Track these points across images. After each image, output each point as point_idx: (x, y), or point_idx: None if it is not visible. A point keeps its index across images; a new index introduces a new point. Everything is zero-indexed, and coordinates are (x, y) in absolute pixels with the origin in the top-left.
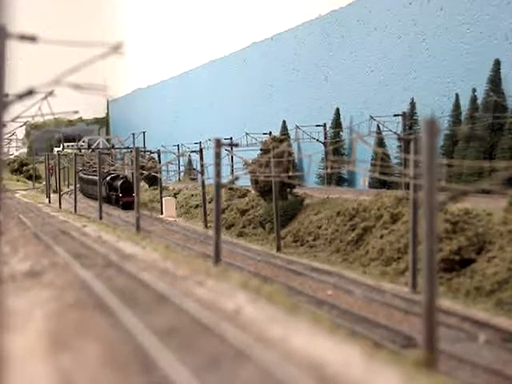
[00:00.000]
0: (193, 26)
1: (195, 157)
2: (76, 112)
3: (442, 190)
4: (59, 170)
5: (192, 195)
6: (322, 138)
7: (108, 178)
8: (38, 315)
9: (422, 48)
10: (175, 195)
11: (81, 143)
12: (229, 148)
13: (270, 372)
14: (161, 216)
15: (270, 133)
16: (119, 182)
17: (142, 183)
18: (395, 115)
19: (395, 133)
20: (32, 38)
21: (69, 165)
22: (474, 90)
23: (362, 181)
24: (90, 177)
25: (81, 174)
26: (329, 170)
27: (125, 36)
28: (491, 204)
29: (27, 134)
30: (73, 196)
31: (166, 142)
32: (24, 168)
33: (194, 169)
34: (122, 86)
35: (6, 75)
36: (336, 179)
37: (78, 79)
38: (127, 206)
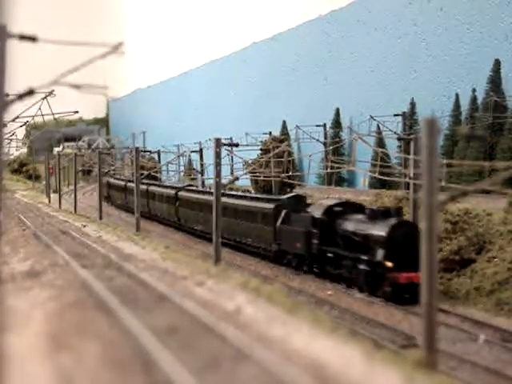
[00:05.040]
0: (193, 26)
1: (195, 157)
2: (76, 112)
3: (442, 190)
4: (59, 170)
5: None
6: (321, 138)
7: (322, 213)
8: (38, 315)
9: (422, 48)
10: None
11: (81, 143)
12: (229, 148)
13: (270, 372)
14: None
15: (270, 133)
16: (383, 231)
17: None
18: (395, 115)
19: (395, 133)
20: (32, 38)
21: (68, 165)
22: (474, 90)
23: (362, 181)
24: (159, 189)
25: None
26: (329, 170)
27: (125, 36)
28: (491, 204)
29: (27, 134)
30: (73, 196)
31: (167, 141)
32: (24, 168)
33: (194, 169)
34: (122, 86)
35: (6, 75)
36: (336, 179)
37: (78, 79)
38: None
